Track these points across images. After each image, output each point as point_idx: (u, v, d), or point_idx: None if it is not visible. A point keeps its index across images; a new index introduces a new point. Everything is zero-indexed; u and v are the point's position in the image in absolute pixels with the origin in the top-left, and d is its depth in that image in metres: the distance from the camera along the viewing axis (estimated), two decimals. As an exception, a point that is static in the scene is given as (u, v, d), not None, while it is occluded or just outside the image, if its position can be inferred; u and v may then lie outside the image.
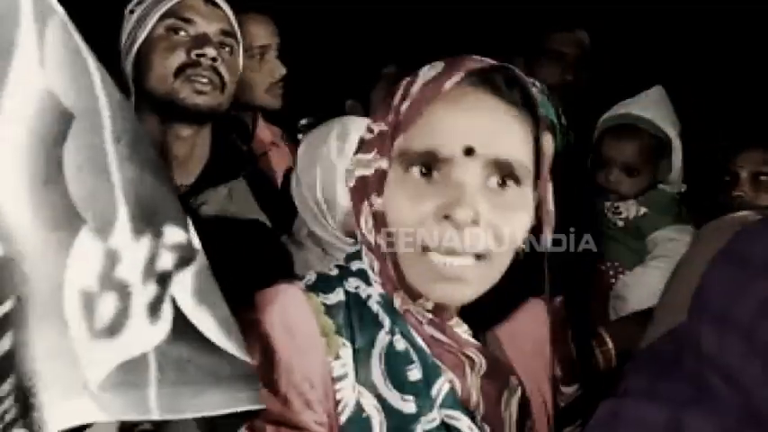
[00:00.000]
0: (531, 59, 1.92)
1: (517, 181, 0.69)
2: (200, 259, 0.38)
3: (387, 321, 0.71)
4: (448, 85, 0.68)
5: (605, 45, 1.98)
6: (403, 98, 0.70)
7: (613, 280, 1.53)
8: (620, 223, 1.57)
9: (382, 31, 2.05)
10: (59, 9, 0.38)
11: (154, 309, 0.35)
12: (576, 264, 0.89)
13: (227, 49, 1.25)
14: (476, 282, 0.68)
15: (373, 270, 0.73)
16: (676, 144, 1.59)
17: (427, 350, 0.70)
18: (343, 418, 0.66)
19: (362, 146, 0.74)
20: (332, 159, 1.17)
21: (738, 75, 2.05)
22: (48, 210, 0.34)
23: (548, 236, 0.74)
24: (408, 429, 0.67)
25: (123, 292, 0.35)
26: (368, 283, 0.73)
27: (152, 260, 0.36)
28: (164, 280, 0.36)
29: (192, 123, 1.25)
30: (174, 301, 0.36)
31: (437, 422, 0.68)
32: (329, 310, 0.70)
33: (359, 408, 0.67)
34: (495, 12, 2.19)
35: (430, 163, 0.67)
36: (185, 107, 1.20)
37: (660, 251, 1.48)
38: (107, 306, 0.34)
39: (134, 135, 0.38)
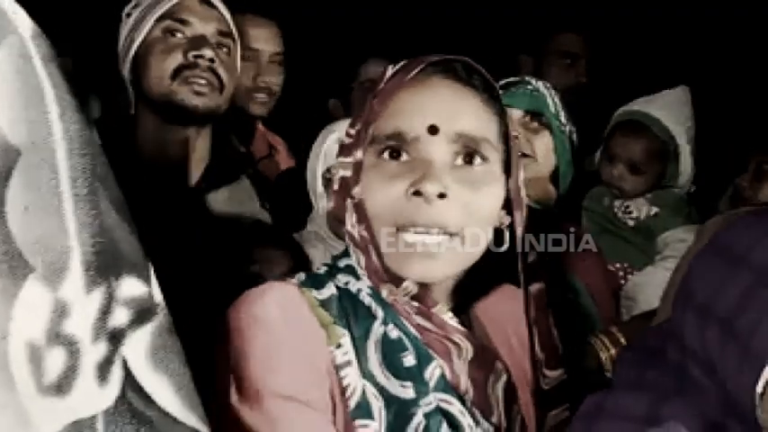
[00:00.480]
0: (540, 60, 1.88)
1: (483, 158, 0.72)
2: (161, 315, 0.34)
3: (380, 312, 0.73)
4: (411, 73, 0.73)
5: (618, 47, 1.94)
6: (375, 94, 0.75)
7: (623, 281, 1.50)
8: (631, 223, 1.55)
9: (381, 29, 2.02)
10: (24, 26, 0.35)
11: (103, 370, 0.32)
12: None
13: (224, 49, 1.23)
14: (448, 258, 0.70)
15: (360, 265, 0.75)
16: (685, 149, 1.55)
17: (419, 336, 0.73)
18: (351, 404, 0.67)
19: (342, 150, 0.78)
20: (314, 164, 1.33)
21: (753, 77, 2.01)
22: (-11, 256, 0.31)
23: (519, 219, 0.77)
24: (409, 413, 0.68)
25: (71, 348, 0.32)
26: (357, 277, 0.75)
27: (104, 315, 0.32)
28: (116, 338, 0.32)
29: (191, 125, 1.24)
30: (125, 364, 0.32)
31: (433, 405, 0.70)
32: (323, 303, 0.71)
33: (363, 395, 0.68)
34: (501, 11, 2.15)
35: (399, 145, 0.71)
36: (184, 108, 1.19)
37: (670, 251, 1.46)
38: (54, 362, 0.31)
39: (94, 173, 0.35)
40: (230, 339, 0.68)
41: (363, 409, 0.67)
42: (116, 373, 0.32)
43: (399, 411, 0.68)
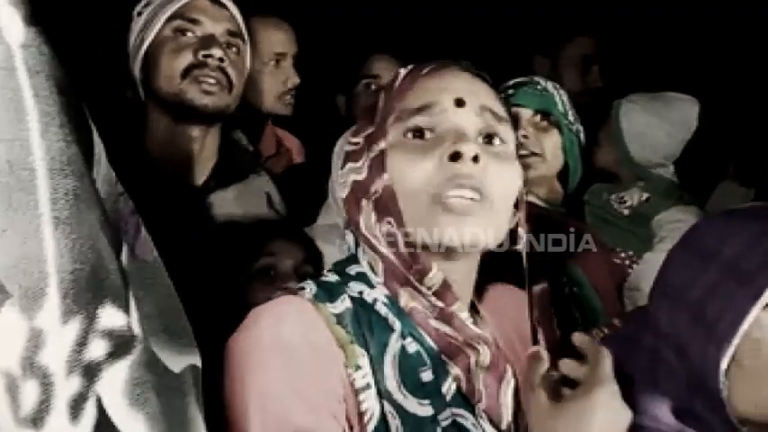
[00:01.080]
0: (556, 62, 1.87)
1: (502, 140, 0.74)
2: (140, 349, 0.32)
3: (397, 324, 0.71)
4: (425, 70, 0.76)
5: (632, 49, 1.92)
6: (389, 89, 0.77)
7: (630, 270, 1.51)
8: (627, 212, 1.57)
9: (389, 26, 2.00)
10: (13, 35, 0.33)
11: (76, 407, 0.30)
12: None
13: (233, 49, 1.22)
14: (479, 220, 0.69)
15: (374, 271, 0.74)
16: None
17: (435, 348, 0.71)
18: (369, 428, 0.66)
19: (349, 157, 0.78)
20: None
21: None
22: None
23: (522, 218, 0.78)
24: (427, 430, 0.67)
25: (46, 381, 0.30)
26: (370, 286, 0.73)
27: (80, 347, 0.31)
28: (91, 373, 0.31)
29: (200, 124, 1.23)
30: (98, 402, 0.31)
31: (450, 420, 0.69)
32: (339, 318, 0.69)
33: (383, 417, 0.66)
34: (516, 11, 2.13)
35: (425, 123, 0.72)
36: (193, 108, 1.18)
37: (665, 232, 1.48)
38: (29, 394, 0.30)
39: (77, 195, 0.33)
40: (246, 362, 0.65)
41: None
42: (89, 411, 0.30)
43: (416, 429, 0.67)
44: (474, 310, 0.79)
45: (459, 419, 0.70)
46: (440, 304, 0.72)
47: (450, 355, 0.72)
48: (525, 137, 1.28)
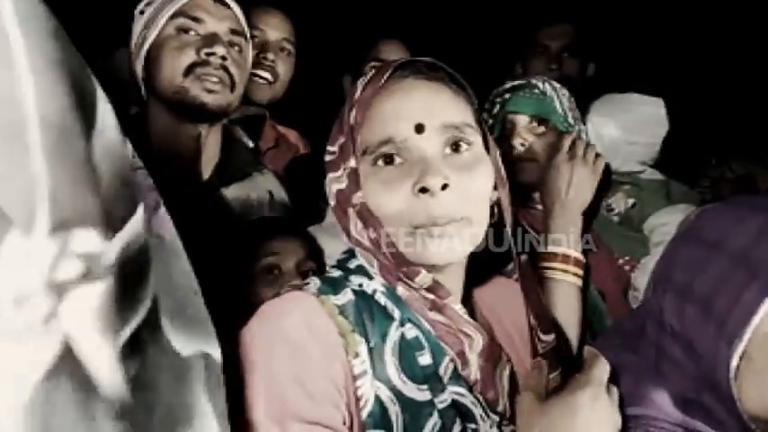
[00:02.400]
0: (525, 60, 1.88)
1: (468, 143, 0.75)
2: (117, 278, 0.32)
3: (396, 312, 0.74)
4: (383, 78, 0.76)
5: (600, 39, 1.92)
6: (351, 106, 0.77)
7: (632, 274, 1.49)
8: (616, 219, 1.55)
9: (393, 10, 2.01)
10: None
11: (46, 324, 0.29)
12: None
13: (236, 48, 1.23)
14: (462, 238, 0.72)
15: (372, 266, 0.77)
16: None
17: (432, 332, 0.74)
18: (364, 414, 0.68)
19: (329, 167, 0.79)
20: None
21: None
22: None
23: (504, 195, 0.80)
24: (425, 415, 0.70)
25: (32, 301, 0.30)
26: (369, 277, 0.76)
27: (53, 267, 0.30)
28: (59, 292, 0.30)
29: (202, 122, 1.23)
30: (61, 321, 0.30)
31: (448, 401, 0.71)
32: (341, 309, 0.72)
33: (378, 402, 0.69)
34: (491, 19, 2.15)
35: (391, 151, 0.73)
36: (196, 106, 1.18)
37: (657, 237, 1.47)
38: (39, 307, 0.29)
39: (61, 122, 0.33)
40: (254, 353, 0.68)
41: (377, 417, 0.68)
42: (55, 331, 0.29)
43: (415, 413, 0.70)
44: (468, 301, 0.82)
45: (459, 398, 0.72)
46: (432, 297, 0.74)
47: (446, 341, 0.74)
48: (522, 144, 1.26)
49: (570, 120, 1.30)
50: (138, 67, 1.24)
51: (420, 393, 0.71)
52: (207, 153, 1.27)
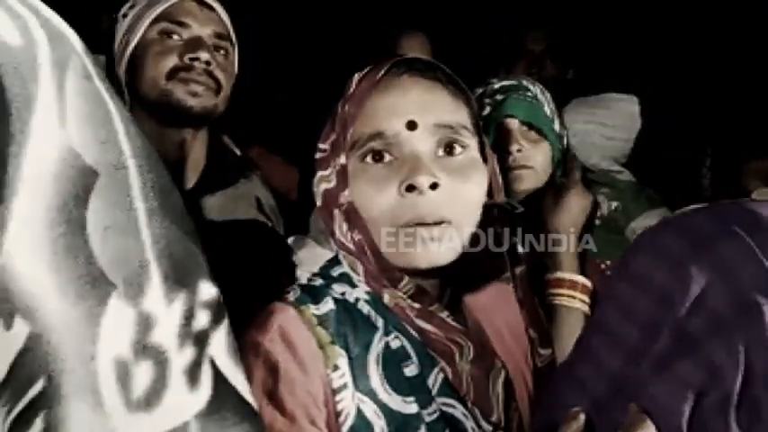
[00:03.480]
0: (509, 63, 1.93)
1: (463, 146, 0.73)
2: (227, 314, 0.35)
3: (380, 322, 0.71)
4: (380, 73, 0.73)
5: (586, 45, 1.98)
6: (345, 101, 0.75)
7: None
8: (598, 222, 1.53)
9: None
10: (78, 46, 0.34)
11: (192, 373, 0.32)
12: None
13: (221, 51, 1.20)
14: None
15: (356, 272, 0.74)
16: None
17: (419, 338, 0.71)
18: (344, 429, 0.66)
19: (320, 164, 0.77)
20: None
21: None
22: (74, 278, 0.31)
23: (498, 198, 0.78)
24: (412, 428, 0.67)
25: (159, 358, 0.32)
26: (352, 285, 0.74)
27: (188, 321, 0.33)
28: (201, 341, 0.33)
29: (187, 126, 1.20)
30: (213, 363, 0.33)
31: (437, 414, 0.68)
32: (322, 320, 0.70)
33: (360, 416, 0.66)
34: (477, 26, 2.17)
35: (380, 146, 0.71)
36: (180, 109, 1.15)
37: None
38: (143, 375, 0.31)
39: (161, 187, 0.35)
40: None
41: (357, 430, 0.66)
42: (206, 374, 0.32)
43: (402, 428, 0.67)
44: (457, 306, 0.80)
45: (449, 410, 0.70)
46: (417, 306, 0.73)
47: (435, 349, 0.72)
48: (519, 150, 1.25)
49: (556, 126, 1.31)
50: (121, 71, 1.19)
51: (406, 406, 0.68)
52: (193, 158, 1.24)
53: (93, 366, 0.31)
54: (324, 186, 0.75)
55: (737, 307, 0.52)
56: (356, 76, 0.76)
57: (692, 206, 0.67)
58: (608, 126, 1.55)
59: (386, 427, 0.67)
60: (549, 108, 1.31)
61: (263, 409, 0.63)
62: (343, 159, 0.73)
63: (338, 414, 0.66)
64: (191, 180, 1.24)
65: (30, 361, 0.30)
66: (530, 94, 1.29)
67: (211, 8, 1.20)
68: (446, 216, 0.69)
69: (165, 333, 0.32)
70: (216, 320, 0.34)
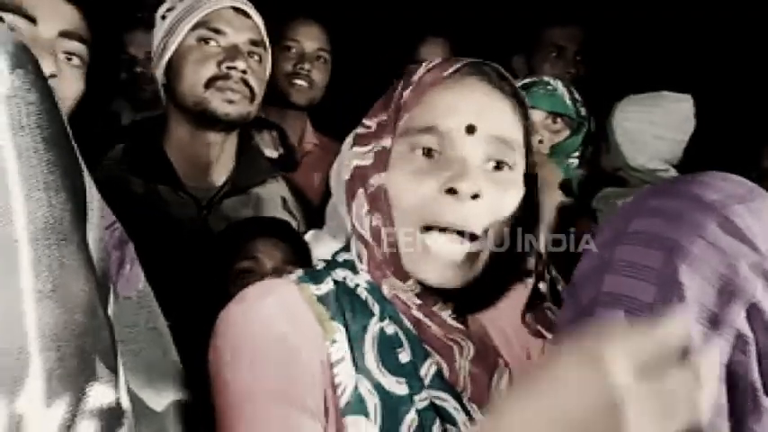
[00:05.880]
0: (531, 56, 1.81)
1: (512, 166, 0.70)
2: (128, 423, 0.29)
3: (376, 308, 0.70)
4: (448, 71, 0.71)
5: (603, 41, 1.86)
6: (405, 86, 0.72)
7: None
8: None
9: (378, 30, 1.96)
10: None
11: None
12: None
13: (255, 57, 1.19)
14: (469, 264, 0.68)
15: (361, 259, 0.72)
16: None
17: (415, 332, 0.70)
18: (342, 401, 0.65)
19: (358, 140, 0.74)
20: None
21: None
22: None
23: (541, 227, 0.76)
24: (402, 410, 0.66)
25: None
26: (355, 272, 0.72)
27: (67, 430, 0.27)
28: None
29: (222, 130, 1.21)
30: None
31: (427, 402, 0.67)
32: (321, 299, 0.69)
33: (356, 391, 0.65)
34: (492, 11, 2.04)
35: (432, 142, 0.68)
36: (216, 116, 1.16)
37: None
38: (8, 485, 0.27)
39: (63, 267, 0.29)
40: (226, 339, 0.65)
41: (355, 406, 0.65)
42: None
43: (393, 407, 0.66)
44: (461, 305, 0.76)
45: (439, 402, 0.68)
46: (418, 302, 0.70)
47: (432, 345, 0.70)
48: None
49: (582, 112, 1.31)
50: (159, 72, 1.20)
51: (398, 387, 0.67)
52: (223, 159, 1.25)
53: None
54: (356, 162, 0.73)
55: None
56: (424, 65, 0.73)
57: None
58: (659, 125, 1.50)
59: (379, 405, 0.65)
60: (570, 97, 1.31)
61: (253, 389, 0.62)
62: (387, 142, 0.70)
63: (335, 387, 0.65)
64: (221, 179, 1.24)
65: None
66: (549, 87, 1.31)
67: (247, 15, 1.18)
68: (477, 229, 0.67)
69: None
70: None
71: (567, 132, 1.28)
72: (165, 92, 1.21)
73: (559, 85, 1.30)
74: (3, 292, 0.27)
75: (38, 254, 0.29)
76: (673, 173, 1.53)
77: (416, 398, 0.67)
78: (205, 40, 1.15)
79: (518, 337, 0.78)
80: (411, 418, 0.66)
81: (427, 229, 0.67)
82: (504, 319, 0.79)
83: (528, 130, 0.74)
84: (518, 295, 0.79)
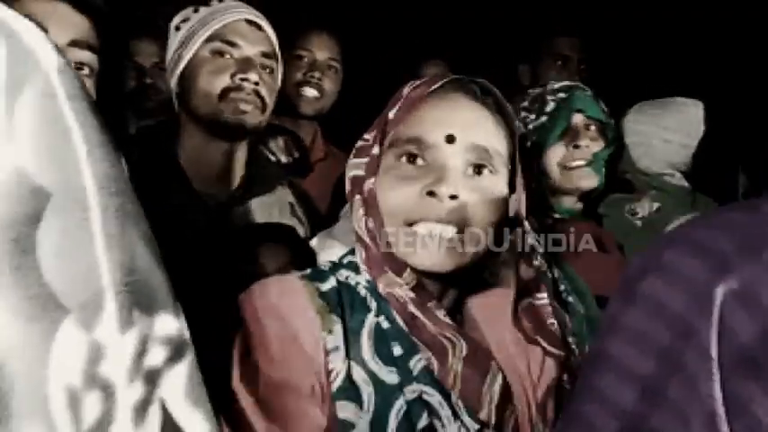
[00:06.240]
0: (536, 65, 1.86)
1: (492, 171, 0.74)
2: (191, 352, 0.32)
3: (374, 304, 0.75)
4: (432, 87, 0.76)
5: (606, 50, 1.90)
6: (394, 102, 0.78)
7: None
8: (639, 223, 1.50)
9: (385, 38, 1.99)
10: (49, 62, 0.32)
11: (139, 412, 0.29)
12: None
13: (267, 69, 1.22)
14: (452, 251, 0.72)
15: (361, 259, 0.77)
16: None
17: (405, 329, 0.74)
18: (334, 387, 0.69)
19: (358, 152, 0.80)
20: None
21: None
22: (24, 298, 0.29)
23: (520, 234, 0.79)
24: (393, 398, 0.70)
25: (107, 391, 0.29)
26: (357, 272, 0.77)
27: (140, 356, 0.30)
28: (152, 379, 0.30)
29: (233, 140, 1.24)
30: (163, 405, 0.30)
31: (416, 394, 0.71)
32: (323, 294, 0.74)
33: (349, 378, 0.70)
34: (496, 21, 2.10)
35: (416, 150, 0.73)
36: (228, 126, 1.19)
37: None
38: (92, 406, 0.29)
39: (125, 211, 0.32)
40: (241, 329, 0.71)
41: (347, 392, 0.69)
42: (154, 415, 0.29)
43: (385, 395, 0.70)
44: (458, 307, 0.80)
45: (426, 396, 0.71)
46: (412, 296, 0.74)
47: (425, 341, 0.73)
48: (587, 146, 1.27)
49: (611, 121, 1.33)
50: (173, 82, 1.23)
51: (389, 375, 0.71)
52: (234, 167, 1.27)
53: (44, 391, 0.28)
54: (354, 172, 0.79)
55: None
56: (411, 83, 0.79)
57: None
58: (668, 129, 1.52)
59: (373, 394, 0.70)
60: (602, 108, 1.32)
61: (260, 356, 0.68)
62: (376, 150, 0.76)
63: (329, 372, 0.70)
64: (233, 186, 1.27)
65: (-24, 382, 0.28)
66: (588, 92, 1.31)
67: (260, 27, 1.22)
68: (459, 223, 0.72)
69: (115, 366, 0.29)
70: (173, 359, 0.31)
71: (600, 140, 1.28)
72: (179, 101, 1.24)
73: (592, 93, 1.32)
74: (78, 234, 0.30)
75: (104, 201, 0.31)
76: (679, 177, 1.56)
77: (406, 388, 0.71)
78: (219, 53, 1.18)
79: (517, 345, 0.81)
80: (400, 404, 0.70)
81: (410, 224, 0.72)
82: (501, 323, 0.82)
83: (513, 142, 0.78)
84: (510, 297, 0.82)
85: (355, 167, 0.79)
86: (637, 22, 2.10)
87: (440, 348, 0.73)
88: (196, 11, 1.20)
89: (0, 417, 0.28)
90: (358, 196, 0.77)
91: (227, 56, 1.18)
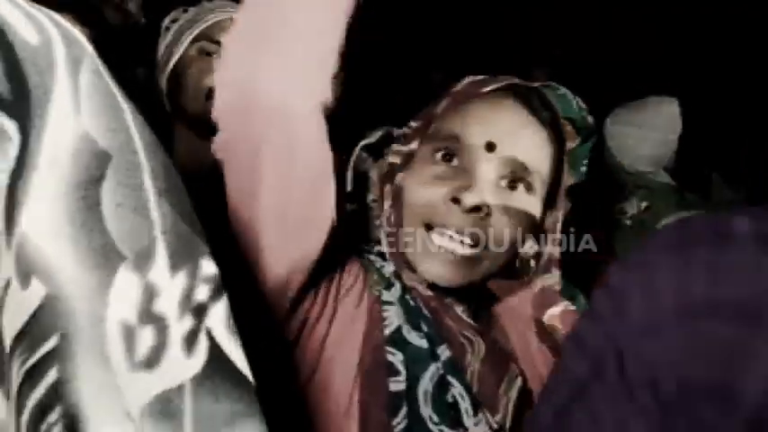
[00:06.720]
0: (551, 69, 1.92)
1: (529, 188, 0.70)
2: (225, 291, 0.37)
3: (401, 289, 0.73)
4: (488, 88, 0.71)
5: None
6: (446, 94, 0.73)
7: None
8: (629, 222, 1.52)
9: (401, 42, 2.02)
10: (90, 50, 0.37)
11: (190, 341, 0.34)
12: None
13: None
14: (467, 266, 0.69)
15: (386, 249, 0.75)
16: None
17: (430, 317, 0.71)
18: (386, 333, 0.68)
19: (401, 138, 0.77)
20: None
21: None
22: (89, 248, 0.33)
23: (555, 252, 0.75)
24: (424, 364, 0.68)
25: (161, 324, 0.34)
26: (384, 259, 0.76)
27: (188, 293, 0.35)
28: (199, 312, 0.35)
29: None
30: (209, 333, 0.35)
31: (442, 372, 0.68)
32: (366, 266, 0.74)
33: (400, 330, 0.69)
34: (515, 26, 2.15)
35: (453, 149, 0.69)
36: (216, 126, 1.20)
37: None
38: (145, 339, 0.33)
39: (166, 171, 0.37)
40: None
41: (395, 342, 0.68)
42: (202, 342, 0.34)
43: (416, 359, 0.68)
44: (481, 305, 0.78)
45: (447, 384, 0.69)
46: (430, 293, 0.73)
47: (444, 336, 0.71)
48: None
49: (589, 120, 1.33)
50: (163, 81, 1.26)
51: (420, 341, 0.69)
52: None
53: (102, 328, 0.33)
54: (392, 159, 0.76)
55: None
56: (468, 78, 0.75)
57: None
58: (644, 127, 1.53)
59: (404, 361, 0.68)
60: (577, 104, 1.35)
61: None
62: (414, 146, 0.73)
63: (383, 319, 0.68)
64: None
65: (45, 319, 0.32)
66: (560, 91, 1.33)
67: (246, 27, 1.24)
68: (477, 237, 0.68)
69: (168, 302, 0.34)
70: (214, 296, 0.36)
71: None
72: (169, 100, 1.26)
73: (567, 91, 1.34)
74: (133, 194, 0.35)
75: (150, 159, 0.36)
76: (663, 175, 1.57)
77: (438, 351, 0.69)
78: (207, 53, 1.20)
79: (543, 351, 0.77)
80: (434, 370, 0.68)
81: (429, 228, 0.69)
82: (527, 325, 0.78)
83: (561, 156, 0.74)
84: (536, 303, 0.78)
85: (395, 155, 0.75)
86: (616, 23, 2.14)
87: (458, 346, 0.70)
88: (185, 11, 1.23)
89: (65, 353, 0.33)
90: (389, 186, 0.74)
91: (215, 55, 1.20)
